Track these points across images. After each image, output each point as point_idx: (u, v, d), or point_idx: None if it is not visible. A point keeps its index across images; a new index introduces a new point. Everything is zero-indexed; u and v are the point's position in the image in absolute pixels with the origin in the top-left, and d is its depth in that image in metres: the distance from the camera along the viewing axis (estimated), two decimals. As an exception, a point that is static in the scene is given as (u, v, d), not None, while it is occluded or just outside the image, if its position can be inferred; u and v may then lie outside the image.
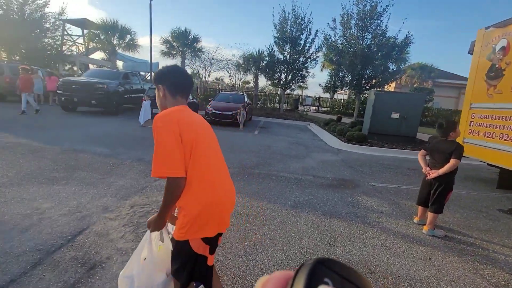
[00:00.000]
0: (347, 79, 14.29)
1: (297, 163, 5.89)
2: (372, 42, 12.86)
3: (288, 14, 15.68)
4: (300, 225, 3.05)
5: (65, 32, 21.39)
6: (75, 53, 22.80)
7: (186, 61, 21.07)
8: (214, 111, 10.78)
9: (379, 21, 12.44)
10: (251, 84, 24.14)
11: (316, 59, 16.79)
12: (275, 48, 16.61)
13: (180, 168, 1.22)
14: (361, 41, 12.90)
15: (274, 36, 16.21)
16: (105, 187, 3.56)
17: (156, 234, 1.46)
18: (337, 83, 14.69)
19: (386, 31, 12.60)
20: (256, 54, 19.43)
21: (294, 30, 15.75)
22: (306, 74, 17.08)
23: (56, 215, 2.76)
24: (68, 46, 22.58)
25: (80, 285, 1.87)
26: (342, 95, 30.73)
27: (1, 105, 10.43)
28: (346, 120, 15.49)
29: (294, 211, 3.39)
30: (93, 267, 2.06)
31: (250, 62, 19.53)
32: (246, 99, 12.72)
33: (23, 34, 15.58)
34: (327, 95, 25.00)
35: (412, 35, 12.44)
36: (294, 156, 6.63)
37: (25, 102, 8.94)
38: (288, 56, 16.51)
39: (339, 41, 13.63)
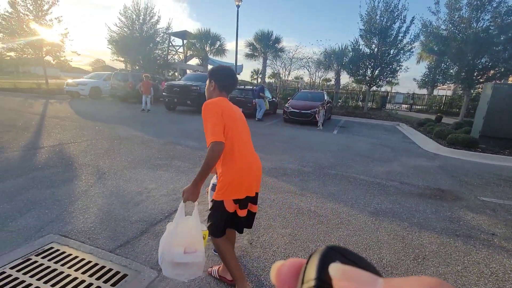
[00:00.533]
0: (452, 71, 11.93)
1: (381, 167, 5.33)
2: (492, 24, 10.31)
3: (378, 3, 14.22)
4: (381, 234, 2.76)
5: (170, 44, 25.44)
6: (176, 61, 26.84)
7: (268, 61, 21.86)
8: (292, 109, 10.83)
9: (504, -4, 9.87)
10: (332, 82, 23.08)
11: (411, 50, 14.66)
12: (361, 42, 15.37)
13: (221, 136, 1.55)
14: (474, 24, 10.53)
15: (360, 29, 15.01)
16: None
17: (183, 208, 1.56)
18: (437, 77, 12.42)
19: (514, 7, 9.88)
20: (339, 49, 18.46)
21: (385, 20, 14.18)
22: (397, 68, 15.14)
23: (158, 194, 3.35)
24: (171, 55, 26.76)
25: (172, 254, 2.22)
26: (444, 91, 25.93)
27: (125, 105, 13.26)
28: (448, 120, 13.01)
29: (374, 219, 3.10)
30: (183, 241, 2.41)
31: (332, 59, 18.70)
32: (325, 97, 12.26)
33: (142, 48, 19.35)
34: (424, 91, 21.47)
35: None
36: (378, 158, 6.02)
37: (144, 102, 11.33)
38: (375, 49, 15.00)
39: (442, 27, 11.49)
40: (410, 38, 14.19)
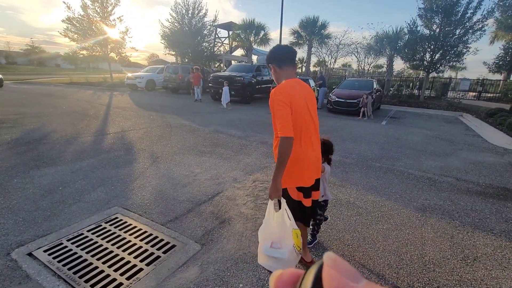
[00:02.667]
0: (536, 51, 10.02)
1: (434, 161, 4.88)
2: None
3: (443, -24, 12.49)
4: (426, 231, 2.61)
5: (217, 36, 26.24)
6: (222, 52, 27.65)
7: (313, 49, 21.11)
8: (337, 99, 10.40)
9: None
10: (384, 69, 21.30)
11: (483, 29, 12.64)
12: (419, 22, 13.79)
13: (290, 130, 1.54)
14: None
15: (419, 8, 13.45)
16: (236, 163, 4.32)
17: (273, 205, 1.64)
18: (516, 59, 10.55)
19: None
20: (393, 32, 16.88)
21: (450, -5, 12.43)
22: (464, 50, 13.26)
23: (203, 178, 3.64)
24: (218, 47, 27.63)
25: (214, 232, 2.45)
26: (526, 75, 21.91)
27: (175, 96, 14.27)
28: (528, 110, 11.04)
29: (419, 214, 2.92)
30: (223, 221, 2.63)
31: (384, 43, 17.22)
32: (375, 86, 11.45)
33: (190, 41, 20.39)
34: (498, 76, 18.41)
35: None
36: (431, 152, 5.51)
37: (197, 93, 12.11)
38: (437, 30, 13.33)
39: (527, -2, 9.64)
40: (481, 15, 12.24)
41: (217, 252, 2.17)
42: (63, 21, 17.32)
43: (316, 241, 2.36)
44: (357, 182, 3.73)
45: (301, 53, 24.27)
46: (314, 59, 24.16)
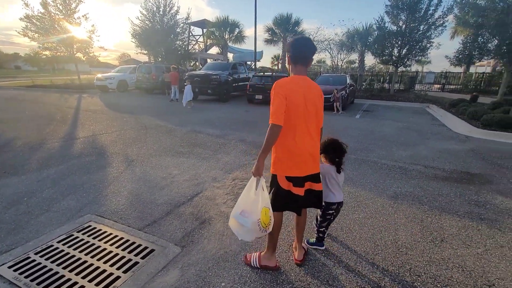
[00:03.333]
0: (490, 45, 10.88)
1: (405, 151, 5.16)
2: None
3: (407, -25, 13.13)
4: (399, 217, 2.75)
5: (190, 34, 25.65)
6: (197, 50, 27.10)
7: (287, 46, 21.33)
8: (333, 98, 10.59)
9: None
10: (356, 64, 22.05)
11: (444, 25, 13.49)
12: (387, 19, 14.43)
13: (280, 119, 1.65)
14: (519, -10, 9.43)
15: (386, 5, 14.05)
16: (215, 162, 4.27)
17: (254, 183, 1.79)
18: (473, 53, 11.38)
19: None
20: (363, 28, 17.50)
21: (414, -7, 13.11)
22: (428, 45, 14.07)
23: (181, 180, 3.56)
24: (192, 45, 27.03)
25: (194, 233, 2.41)
26: (483, 67, 23.77)
27: (150, 97, 13.81)
28: (485, 100, 11.99)
29: (392, 202, 3.07)
30: (203, 222, 2.60)
31: (355, 39, 17.81)
32: (348, 81, 11.83)
33: (163, 39, 19.76)
34: (459, 69, 19.79)
35: None
36: (402, 143, 5.81)
37: (173, 93, 11.85)
38: (403, 26, 14.02)
39: (480, -4, 10.42)
40: (442, 11, 13.05)
41: (198, 253, 2.14)
42: (21, 19, 16.06)
43: (323, 247, 2.22)
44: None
45: (276, 50, 24.43)
46: (289, 56, 24.40)
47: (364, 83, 18.30)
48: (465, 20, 11.43)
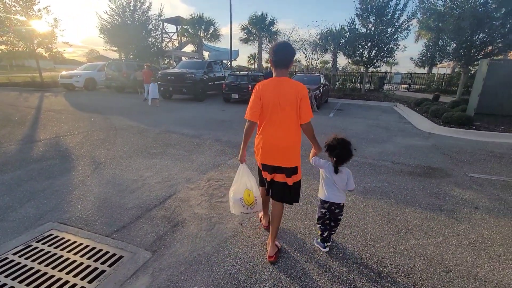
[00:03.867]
0: (449, 48, 11.74)
1: (374, 148, 5.41)
2: (490, -2, 10.04)
3: (375, -21, 13.75)
4: (367, 211, 2.88)
5: (164, 31, 24.86)
6: (171, 48, 26.34)
7: (263, 45, 21.45)
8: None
9: (503, -33, 9.54)
10: (330, 65, 22.73)
11: (409, 28, 14.33)
12: (357, 21, 15.01)
13: (253, 116, 1.95)
14: (472, -2, 10.27)
15: (357, 8, 14.61)
16: (189, 162, 4.18)
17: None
18: (435, 55, 12.23)
19: (514, -22, 9.57)
20: (335, 30, 18.07)
21: (382, -3, 13.78)
22: (395, 47, 14.87)
23: (153, 182, 3.44)
24: (166, 42, 26.23)
25: (166, 237, 2.34)
26: (444, 69, 25.58)
27: (121, 96, 13.19)
28: (446, 99, 12.95)
29: (362, 197, 3.20)
30: (176, 225, 2.53)
31: (329, 40, 18.34)
32: (322, 80, 12.15)
33: (134, 36, 18.96)
34: (423, 70, 21.17)
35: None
36: (372, 140, 6.08)
37: (147, 92, 11.30)
38: (372, 29, 14.68)
39: (440, 2, 11.20)
40: (407, 16, 13.86)
41: (169, 257, 2.08)
42: (-30, 10, 14.56)
43: (326, 250, 2.19)
44: (307, 173, 3.92)
45: (252, 49, 24.46)
46: (265, 55, 24.60)
47: (337, 83, 18.93)
48: (427, 25, 12.23)
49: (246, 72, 13.35)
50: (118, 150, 4.68)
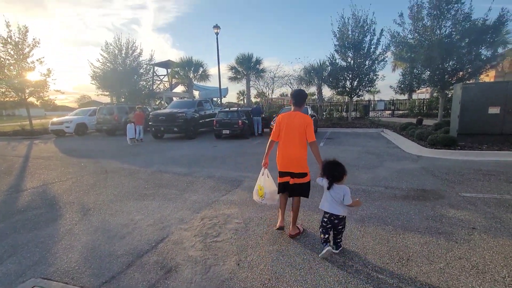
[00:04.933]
0: (424, 76, 12.58)
1: (366, 174, 5.46)
2: (453, 30, 11.09)
3: (348, 20, 15.13)
4: (366, 240, 2.81)
5: (155, 74, 25.89)
6: (162, 89, 27.19)
7: (251, 82, 22.44)
8: (277, 126, 11.04)
9: (459, 5, 10.71)
10: (316, 96, 23.76)
11: (385, 60, 15.44)
12: (337, 56, 16.11)
13: (274, 137, 3.01)
14: (438, 31, 11.30)
15: (335, 44, 15.78)
16: (182, 202, 4.09)
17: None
18: (413, 82, 13.03)
19: (471, 13, 10.70)
20: (318, 64, 19.22)
21: (356, 34, 15.02)
22: (374, 77, 15.84)
23: (145, 225, 3.32)
24: (157, 85, 27.14)
25: (158, 285, 2.20)
26: (423, 94, 27.05)
27: (112, 139, 13.21)
28: (429, 122, 13.50)
29: (359, 225, 3.15)
30: (169, 270, 2.40)
31: (312, 74, 19.41)
32: (309, 112, 12.59)
33: (126, 81, 19.60)
34: (404, 96, 22.34)
35: (508, 12, 10.18)
36: (363, 166, 6.16)
37: (138, 132, 11.42)
38: (351, 62, 15.73)
39: (409, 36, 12.25)
40: (382, 49, 15.00)
41: (162, 308, 1.93)
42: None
43: (337, 250, 2.60)
44: (303, 204, 3.87)
45: (240, 86, 25.49)
46: (253, 91, 25.62)
47: (324, 113, 19.62)
48: (401, 56, 13.21)
49: (236, 108, 13.75)
50: (108, 194, 4.57)
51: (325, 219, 2.54)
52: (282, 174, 2.96)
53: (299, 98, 2.97)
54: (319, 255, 2.51)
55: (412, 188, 4.50)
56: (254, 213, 3.61)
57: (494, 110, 7.61)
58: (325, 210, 2.55)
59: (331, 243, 2.58)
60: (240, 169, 6.13)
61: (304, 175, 2.88)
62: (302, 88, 22.84)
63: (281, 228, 2.99)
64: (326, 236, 2.53)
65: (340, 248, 2.60)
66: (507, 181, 4.72)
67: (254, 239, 2.92)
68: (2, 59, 15.46)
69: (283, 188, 2.98)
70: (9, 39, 15.47)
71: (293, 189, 2.92)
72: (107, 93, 21.10)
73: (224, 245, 2.80)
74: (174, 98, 25.13)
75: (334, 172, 2.50)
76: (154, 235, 3.07)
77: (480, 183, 4.67)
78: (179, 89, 29.22)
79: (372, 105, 23.19)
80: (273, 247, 2.74)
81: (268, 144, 3.06)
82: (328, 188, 2.51)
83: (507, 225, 3.07)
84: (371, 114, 20.96)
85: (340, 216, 2.50)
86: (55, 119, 15.51)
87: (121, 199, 4.31)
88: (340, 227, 2.54)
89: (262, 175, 3.09)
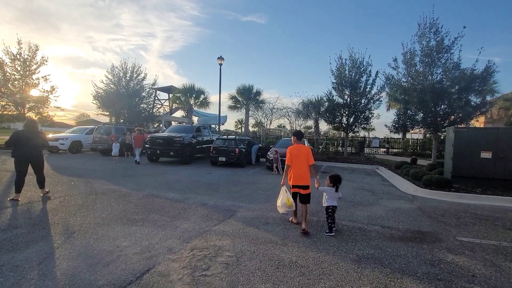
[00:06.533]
0: (417, 117, 13.02)
1: (362, 211, 5.37)
2: (444, 77, 11.74)
3: (346, 60, 16.00)
4: (364, 283, 2.68)
5: (156, 98, 26.42)
6: (162, 113, 27.56)
7: (250, 112, 22.95)
8: (272, 157, 11.06)
9: (448, 55, 11.47)
10: (313, 129, 24.23)
11: (380, 100, 16.08)
12: (334, 93, 16.75)
13: (288, 162, 4.32)
14: (430, 77, 11.94)
15: (332, 82, 16.49)
16: (172, 229, 3.93)
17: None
18: (406, 122, 13.44)
19: (460, 63, 11.43)
20: (315, 99, 19.87)
21: (353, 74, 15.78)
22: (370, 115, 16.35)
23: (131, 253, 3.14)
24: (157, 108, 27.56)
25: (140, 322, 2.02)
26: (416, 134, 27.77)
27: (106, 159, 13.03)
28: (422, 162, 13.68)
29: (356, 266, 3.02)
30: (153, 306, 2.22)
31: (310, 108, 19.97)
32: (306, 144, 12.73)
33: (127, 102, 19.91)
34: (398, 135, 22.90)
35: (494, 64, 10.90)
36: (359, 203, 6.09)
37: (138, 155, 11.29)
38: (348, 99, 16.33)
39: (403, 79, 12.90)
40: (377, 89, 15.70)
41: None
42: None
43: (332, 233, 4.00)
44: (298, 240, 3.76)
45: (239, 115, 25.95)
46: (252, 121, 26.09)
47: (320, 147, 19.84)
48: (395, 97, 13.81)
49: (234, 136, 13.87)
50: (96, 216, 4.38)
51: (329, 210, 4.07)
52: (293, 187, 4.32)
53: (299, 135, 4.58)
54: (330, 234, 3.99)
55: (409, 229, 4.42)
56: (247, 246, 3.46)
57: (486, 154, 7.78)
58: (330, 205, 4.09)
59: (327, 229, 4.08)
60: (234, 199, 6.00)
61: (308, 187, 4.26)
62: (299, 120, 23.44)
63: (297, 223, 4.41)
64: (333, 225, 4.09)
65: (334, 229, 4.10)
66: (503, 227, 4.67)
67: (245, 275, 2.76)
68: (8, 74, 15.75)
69: (294, 197, 4.32)
70: (18, 56, 15.92)
71: (303, 198, 4.28)
72: (107, 113, 21.28)
73: (213, 280, 2.63)
74: (173, 122, 25.39)
75: (339, 181, 4.22)
76: (140, 264, 2.89)
77: (477, 227, 4.61)
78: (179, 114, 29.65)
79: (367, 142, 23.62)
80: (265, 285, 2.59)
81: (285, 169, 4.39)
82: (336, 191, 4.19)
83: (508, 274, 2.97)
84: (366, 150, 21.25)
85: (336, 206, 4.16)
86: (50, 135, 15.39)
87: (109, 222, 4.12)
88: (330, 212, 4.10)
89: (284, 191, 4.28)
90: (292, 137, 4.57)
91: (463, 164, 7.98)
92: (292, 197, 4.26)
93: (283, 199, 4.21)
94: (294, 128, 24.67)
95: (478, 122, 16.50)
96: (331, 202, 4.07)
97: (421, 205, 6.13)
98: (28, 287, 2.40)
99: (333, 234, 3.95)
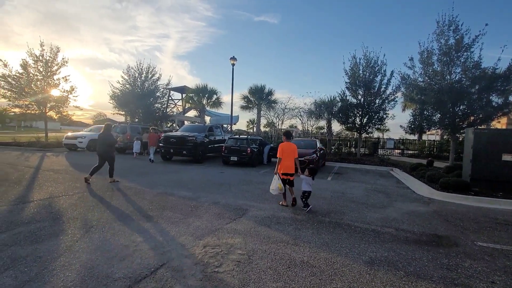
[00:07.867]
0: (434, 118, 12.60)
1: (376, 213, 5.28)
2: (463, 76, 11.32)
3: (360, 60, 15.73)
4: (377, 285, 2.64)
5: (170, 97, 26.92)
6: (175, 113, 28.05)
7: (262, 112, 22.98)
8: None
9: (468, 53, 11.05)
10: (325, 130, 23.98)
11: (395, 100, 15.69)
12: (347, 93, 16.51)
13: (279, 155, 5.52)
14: (448, 76, 11.55)
15: (346, 82, 16.26)
16: (185, 227, 4.01)
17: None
18: (423, 123, 13.05)
19: (481, 62, 10.98)
20: (328, 99, 19.67)
21: (367, 74, 15.50)
22: (384, 116, 15.99)
23: (146, 248, 3.24)
24: (171, 108, 28.07)
25: (155, 314, 2.08)
26: (433, 135, 26.92)
27: (122, 157, 13.40)
28: (439, 164, 13.24)
29: (369, 268, 2.98)
30: (167, 299, 2.28)
31: (322, 108, 19.78)
32: (318, 145, 12.62)
33: (142, 102, 20.41)
34: (414, 136, 22.27)
35: (517, 63, 10.40)
36: (372, 205, 5.98)
37: (152, 153, 11.56)
38: (362, 100, 16.04)
39: (420, 79, 12.53)
40: (392, 89, 15.33)
41: None
42: (-4, 77, 15.99)
43: (308, 208, 5.17)
44: (309, 239, 3.74)
45: (251, 115, 26.03)
46: (263, 121, 26.11)
47: (333, 147, 19.59)
48: (411, 97, 13.42)
49: (246, 136, 13.93)
50: (113, 212, 4.53)
51: (306, 194, 5.26)
52: (283, 174, 5.44)
53: (288, 135, 5.89)
54: (306, 211, 5.11)
55: (425, 232, 4.30)
56: (259, 244, 3.49)
57: (508, 157, 7.44)
58: (308, 190, 5.28)
59: (303, 205, 5.24)
60: (246, 198, 6.04)
61: (293, 175, 5.52)
62: (311, 121, 23.24)
63: (286, 205, 5.49)
64: (307, 202, 5.24)
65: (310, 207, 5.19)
66: (526, 233, 4.46)
67: (257, 273, 2.78)
68: (31, 75, 16.49)
69: (283, 182, 5.41)
70: (40, 57, 16.64)
71: (290, 183, 5.52)
72: (123, 112, 21.88)
73: (225, 277, 2.67)
74: (186, 122, 25.79)
75: (315, 173, 5.49)
76: (154, 259, 2.97)
77: (497, 232, 4.44)
78: (192, 113, 30.11)
79: (381, 143, 23.13)
80: (276, 284, 2.60)
81: (277, 161, 5.49)
82: (313, 179, 5.35)
83: (530, 282, 2.85)
84: (380, 152, 20.80)
85: (311, 191, 5.34)
86: (69, 134, 16.01)
87: (125, 218, 4.26)
88: (306, 194, 5.27)
89: (276, 179, 5.39)
90: (283, 136, 5.87)
91: (483, 166, 7.68)
92: (282, 182, 5.37)
93: (276, 184, 5.34)
94: (306, 129, 24.51)
95: (500, 123, 15.79)
96: (308, 188, 5.26)
97: (438, 208, 5.95)
98: (50, 278, 2.52)
99: (310, 206, 5.18)
